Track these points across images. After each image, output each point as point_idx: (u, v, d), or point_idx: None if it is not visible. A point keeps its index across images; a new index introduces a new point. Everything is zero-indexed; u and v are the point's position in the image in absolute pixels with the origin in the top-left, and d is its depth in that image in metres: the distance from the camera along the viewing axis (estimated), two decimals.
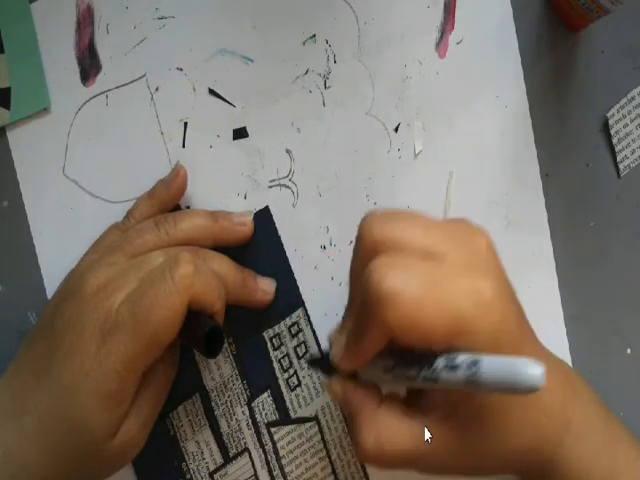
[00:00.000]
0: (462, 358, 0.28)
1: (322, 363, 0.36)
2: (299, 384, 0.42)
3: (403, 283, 0.29)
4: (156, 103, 0.41)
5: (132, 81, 0.41)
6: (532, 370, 0.26)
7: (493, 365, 0.27)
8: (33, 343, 0.36)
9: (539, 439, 0.33)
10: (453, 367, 0.28)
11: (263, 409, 0.41)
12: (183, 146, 0.41)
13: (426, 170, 0.42)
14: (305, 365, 0.41)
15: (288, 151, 0.41)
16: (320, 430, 0.42)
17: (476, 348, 0.29)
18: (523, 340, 0.32)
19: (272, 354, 0.41)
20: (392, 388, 0.33)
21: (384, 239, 0.31)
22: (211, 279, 0.35)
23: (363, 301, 0.30)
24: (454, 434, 0.31)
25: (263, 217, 0.41)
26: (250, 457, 0.42)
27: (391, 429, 0.32)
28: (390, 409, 0.32)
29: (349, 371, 0.33)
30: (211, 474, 0.41)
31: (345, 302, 0.35)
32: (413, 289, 0.28)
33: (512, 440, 0.32)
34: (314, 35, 0.41)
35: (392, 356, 0.31)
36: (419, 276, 0.29)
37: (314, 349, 0.41)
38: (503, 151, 0.42)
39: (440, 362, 0.29)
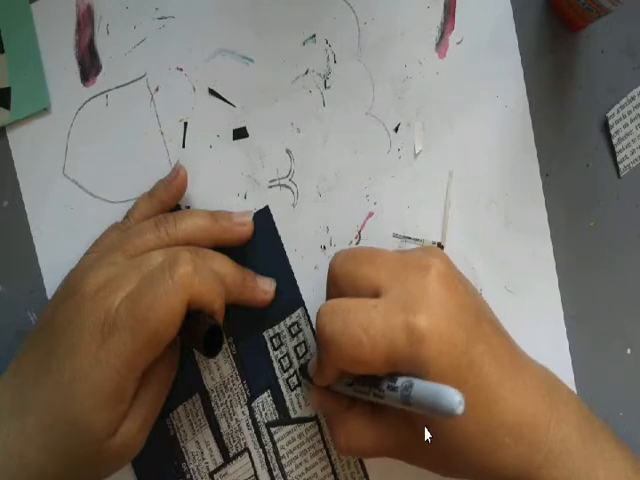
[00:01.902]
0: (401, 380, 0.32)
1: (306, 373, 0.40)
2: (299, 384, 0.42)
3: (343, 326, 0.33)
4: (156, 103, 0.41)
5: (132, 81, 0.41)
6: (451, 398, 0.29)
7: (422, 389, 0.30)
8: (33, 343, 0.36)
9: (505, 457, 0.33)
10: (394, 388, 0.32)
11: (263, 409, 0.41)
12: (183, 146, 0.41)
13: (426, 170, 0.42)
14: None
15: (288, 151, 0.41)
16: (320, 430, 0.42)
17: (416, 374, 0.32)
18: (477, 362, 0.33)
19: (272, 354, 0.41)
20: (357, 398, 0.36)
21: (342, 275, 0.35)
22: (210, 278, 0.35)
23: (317, 339, 0.34)
24: (414, 437, 0.34)
25: (263, 217, 0.41)
26: (250, 457, 0.42)
27: (357, 429, 0.37)
28: (358, 412, 0.37)
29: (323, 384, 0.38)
30: (211, 474, 0.41)
31: None
32: (352, 331, 0.32)
33: (473, 455, 0.33)
34: (314, 35, 0.41)
35: (351, 374, 0.35)
36: (359, 318, 0.33)
37: (311, 350, 0.42)
38: (503, 151, 0.42)
39: (384, 382, 0.33)
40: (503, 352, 0.35)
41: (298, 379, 0.42)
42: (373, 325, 0.32)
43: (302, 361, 0.42)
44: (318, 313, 0.34)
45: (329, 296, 0.37)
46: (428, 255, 0.35)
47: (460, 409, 0.28)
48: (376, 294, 0.34)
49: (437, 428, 0.33)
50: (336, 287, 0.36)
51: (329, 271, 0.36)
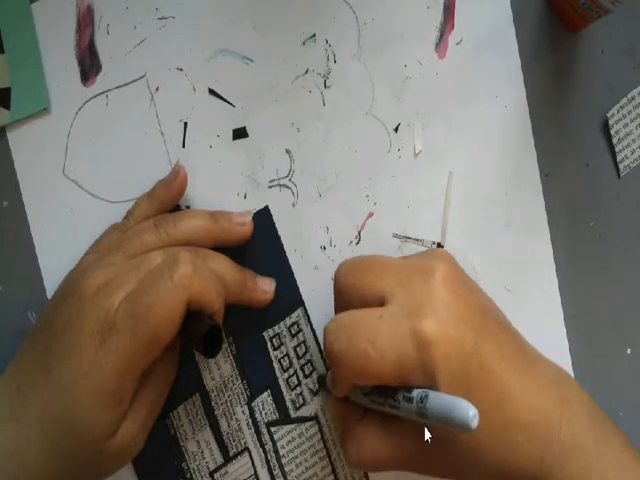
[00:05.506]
0: (416, 392, 0.32)
1: (324, 384, 0.41)
2: (299, 384, 0.42)
3: (349, 342, 0.33)
4: (156, 103, 0.41)
5: (132, 81, 0.41)
6: (466, 411, 0.29)
7: (436, 401, 0.30)
8: (32, 343, 0.36)
9: (517, 457, 0.33)
10: (409, 399, 0.32)
11: (263, 409, 0.41)
12: (183, 146, 0.41)
13: (426, 170, 0.42)
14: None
15: (288, 151, 0.41)
16: (320, 430, 0.42)
17: (427, 383, 0.32)
18: (486, 362, 0.33)
19: (272, 354, 0.41)
20: (373, 408, 0.36)
21: (347, 286, 0.35)
22: (210, 279, 0.35)
23: (326, 356, 0.35)
24: (425, 446, 0.34)
25: (263, 217, 0.41)
26: (250, 456, 0.42)
27: (369, 440, 0.36)
28: (370, 422, 0.36)
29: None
30: (211, 473, 0.42)
31: None
32: (358, 345, 0.32)
33: (486, 456, 0.33)
34: (314, 35, 0.41)
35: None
36: (364, 331, 0.33)
37: (311, 350, 0.42)
38: (503, 151, 0.42)
39: (400, 393, 0.33)
40: (512, 351, 0.35)
41: (298, 379, 0.42)
42: (379, 337, 0.32)
43: (316, 373, 0.41)
44: (324, 331, 0.34)
45: (337, 308, 0.37)
46: (432, 259, 0.35)
47: (474, 422, 0.28)
48: (382, 302, 0.34)
49: (450, 433, 0.33)
50: (342, 299, 0.36)
51: (334, 283, 0.36)
